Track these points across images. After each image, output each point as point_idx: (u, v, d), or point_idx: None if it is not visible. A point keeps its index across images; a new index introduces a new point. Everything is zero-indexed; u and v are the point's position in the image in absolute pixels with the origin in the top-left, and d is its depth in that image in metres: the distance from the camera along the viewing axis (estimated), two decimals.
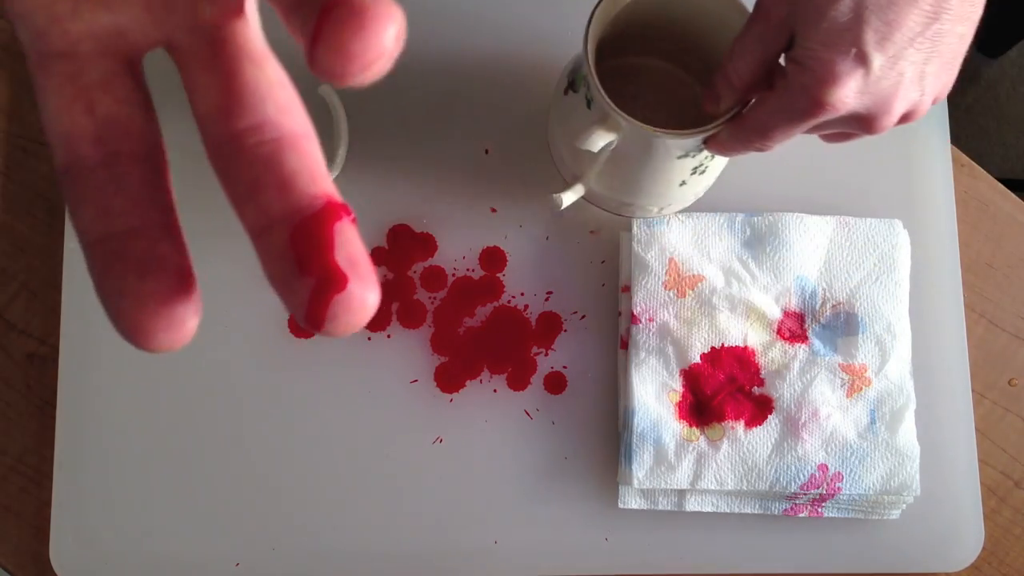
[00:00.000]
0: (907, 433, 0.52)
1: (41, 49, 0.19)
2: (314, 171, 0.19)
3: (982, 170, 0.59)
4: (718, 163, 0.50)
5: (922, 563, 0.53)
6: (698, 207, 0.55)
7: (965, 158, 0.59)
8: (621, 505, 0.52)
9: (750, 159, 0.57)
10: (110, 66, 0.20)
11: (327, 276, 0.18)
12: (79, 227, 0.20)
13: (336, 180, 0.54)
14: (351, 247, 0.19)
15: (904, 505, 0.52)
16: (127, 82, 0.20)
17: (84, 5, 0.19)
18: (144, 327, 0.19)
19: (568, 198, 0.50)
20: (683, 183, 0.49)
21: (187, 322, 0.19)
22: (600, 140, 0.44)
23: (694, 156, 0.46)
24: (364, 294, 0.19)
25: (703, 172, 0.49)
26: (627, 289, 0.54)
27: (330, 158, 0.53)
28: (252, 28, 0.21)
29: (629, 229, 0.54)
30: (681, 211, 0.54)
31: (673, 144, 0.45)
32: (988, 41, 1.29)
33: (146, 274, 0.19)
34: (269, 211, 0.19)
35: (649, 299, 0.52)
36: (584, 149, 0.45)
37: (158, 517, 0.53)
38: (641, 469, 0.51)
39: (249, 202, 0.19)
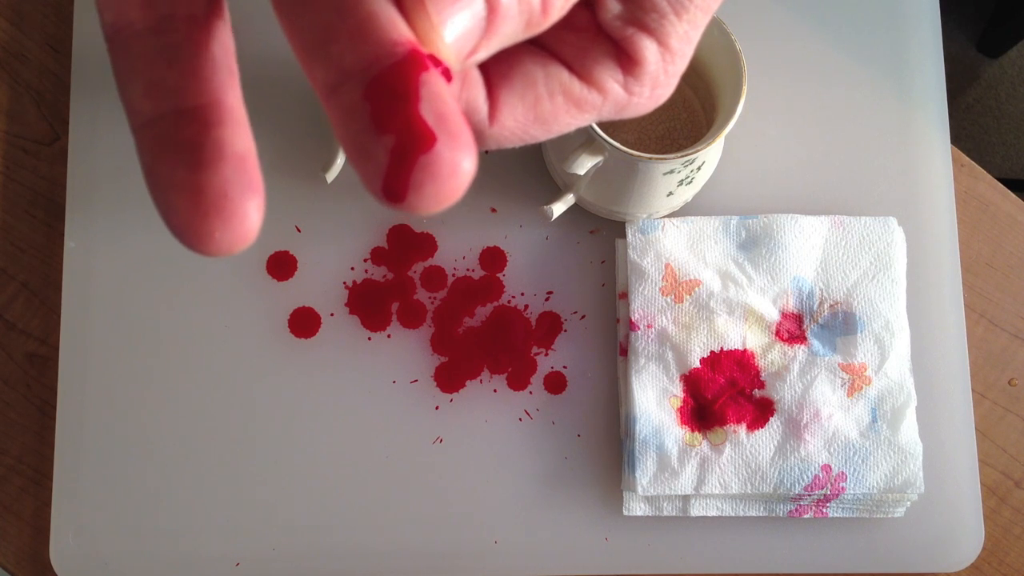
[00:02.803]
0: (909, 430, 0.52)
1: None
2: (394, 13, 0.16)
3: (982, 170, 0.59)
4: (704, 173, 0.51)
5: (922, 563, 0.53)
6: (692, 210, 0.55)
7: (965, 158, 0.59)
8: (626, 512, 0.52)
9: (750, 160, 0.57)
10: None
11: (409, 133, 0.15)
12: (128, 107, 0.17)
13: (336, 181, 0.54)
14: (440, 102, 0.15)
15: (908, 503, 0.52)
16: None
17: None
18: (198, 226, 0.16)
19: (558, 208, 0.50)
20: (670, 193, 0.50)
21: (248, 219, 0.16)
22: (586, 163, 0.45)
23: (679, 171, 0.47)
24: (456, 156, 0.15)
25: (690, 183, 0.50)
26: (625, 296, 0.54)
27: (330, 159, 0.53)
28: None
29: (624, 236, 0.54)
30: (675, 214, 0.54)
31: (657, 165, 0.46)
32: (988, 41, 1.29)
33: (199, 164, 0.16)
34: (342, 63, 0.15)
35: (647, 305, 0.52)
36: (571, 172, 0.46)
37: (158, 517, 0.53)
38: (645, 476, 0.51)
39: (318, 56, 0.16)
